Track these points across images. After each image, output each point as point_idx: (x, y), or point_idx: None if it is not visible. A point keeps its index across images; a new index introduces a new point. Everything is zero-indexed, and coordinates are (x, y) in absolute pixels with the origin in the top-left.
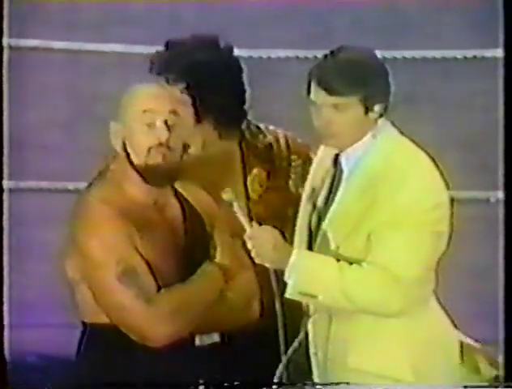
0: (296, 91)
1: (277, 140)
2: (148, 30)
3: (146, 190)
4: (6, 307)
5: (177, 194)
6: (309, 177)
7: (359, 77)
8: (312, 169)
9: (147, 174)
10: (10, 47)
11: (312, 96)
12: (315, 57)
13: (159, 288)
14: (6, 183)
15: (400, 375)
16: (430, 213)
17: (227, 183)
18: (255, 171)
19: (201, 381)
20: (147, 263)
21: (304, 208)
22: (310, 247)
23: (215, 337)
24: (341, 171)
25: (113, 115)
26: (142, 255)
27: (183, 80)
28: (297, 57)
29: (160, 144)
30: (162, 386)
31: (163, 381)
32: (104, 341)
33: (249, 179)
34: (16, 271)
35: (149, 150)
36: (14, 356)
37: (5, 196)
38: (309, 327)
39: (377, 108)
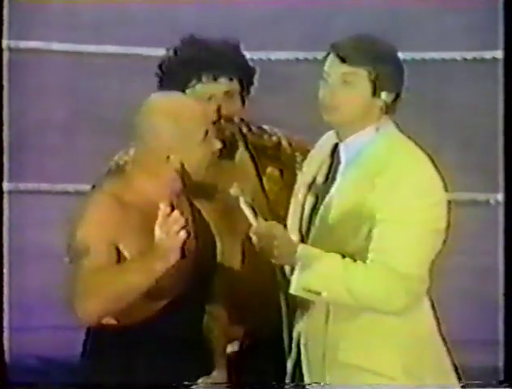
0: (296, 93)
1: (280, 139)
2: (148, 31)
3: (165, 193)
4: (6, 309)
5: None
6: (304, 166)
7: (373, 51)
8: (308, 159)
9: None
10: (10, 49)
11: (326, 66)
12: (315, 58)
13: None
14: (5, 185)
15: (390, 372)
16: (430, 210)
17: (244, 187)
18: (269, 170)
19: (199, 381)
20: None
21: (296, 198)
22: (302, 238)
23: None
24: (338, 161)
25: (113, 116)
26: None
27: (230, 75)
28: (297, 59)
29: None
30: (163, 387)
31: (164, 382)
32: (108, 342)
33: (264, 179)
34: (16, 274)
35: (208, 164)
36: (14, 359)
37: (4, 198)
38: (306, 319)
39: (384, 95)
